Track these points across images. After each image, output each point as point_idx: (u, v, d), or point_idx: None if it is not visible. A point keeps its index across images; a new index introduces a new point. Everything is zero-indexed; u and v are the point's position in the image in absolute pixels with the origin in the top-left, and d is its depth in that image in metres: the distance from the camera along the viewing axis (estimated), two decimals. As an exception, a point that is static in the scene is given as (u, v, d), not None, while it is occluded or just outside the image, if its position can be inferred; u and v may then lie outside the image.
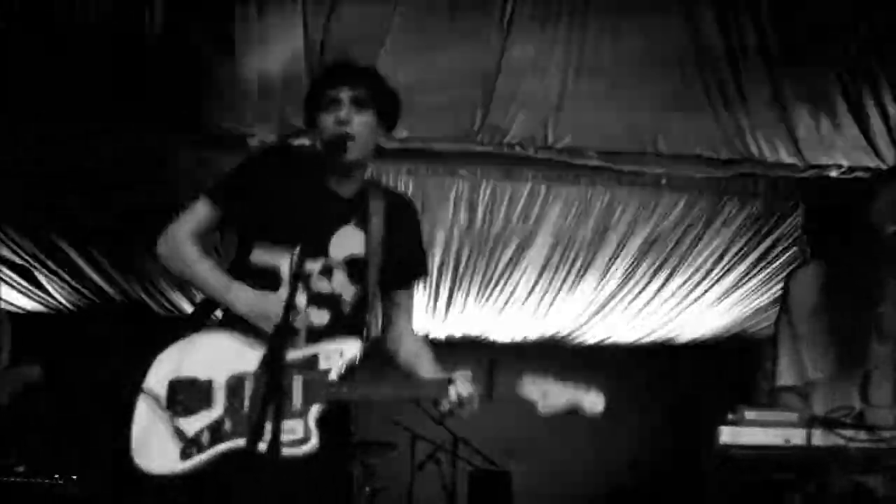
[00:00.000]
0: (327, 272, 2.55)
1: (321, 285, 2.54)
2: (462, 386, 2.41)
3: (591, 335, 7.91)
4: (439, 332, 7.56)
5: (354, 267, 2.58)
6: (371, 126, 2.55)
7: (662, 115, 4.83)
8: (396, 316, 2.74)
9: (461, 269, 6.36)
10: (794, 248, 5.83)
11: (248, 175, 2.59)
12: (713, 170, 5.01)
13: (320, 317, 2.53)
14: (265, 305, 2.43)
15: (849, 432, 2.30)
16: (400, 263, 2.68)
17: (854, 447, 2.30)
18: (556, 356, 7.76)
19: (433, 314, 7.18)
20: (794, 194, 5.37)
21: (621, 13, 4.39)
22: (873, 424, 2.35)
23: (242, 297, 2.47)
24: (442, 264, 6.28)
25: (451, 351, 7.18)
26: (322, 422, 2.39)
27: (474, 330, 7.64)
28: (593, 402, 2.43)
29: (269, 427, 1.98)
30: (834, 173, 4.82)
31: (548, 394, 2.41)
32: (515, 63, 4.48)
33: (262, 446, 1.98)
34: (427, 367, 2.59)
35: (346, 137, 2.49)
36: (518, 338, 7.93)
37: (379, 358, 2.63)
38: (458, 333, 7.68)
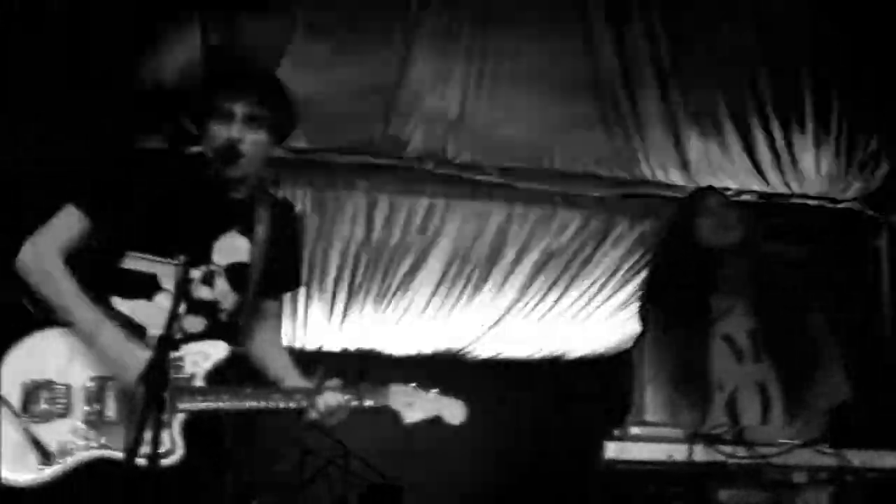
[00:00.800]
0: (209, 279, 2.48)
1: (202, 292, 2.47)
2: (329, 396, 2.38)
3: (485, 349, 7.97)
4: (334, 345, 7.50)
5: (237, 274, 2.52)
6: (263, 144, 2.48)
7: (559, 133, 4.92)
8: (265, 325, 2.66)
9: (357, 282, 6.32)
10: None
11: (124, 180, 2.44)
12: (607, 189, 5.12)
13: (195, 324, 2.46)
14: (128, 359, 2.27)
15: (728, 448, 2.36)
16: (276, 273, 2.62)
17: (733, 463, 2.36)
18: (451, 370, 7.79)
19: (328, 326, 7.11)
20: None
21: (520, 33, 4.44)
22: (752, 441, 2.42)
23: (109, 339, 2.31)
24: (338, 276, 6.23)
25: (344, 363, 7.19)
26: (189, 431, 2.32)
27: (370, 343, 7.60)
28: (454, 412, 2.46)
29: (147, 437, 1.92)
30: (722, 196, 4.99)
31: (412, 404, 2.42)
32: (416, 77, 4.50)
33: (138, 459, 1.90)
34: (293, 377, 2.54)
35: (237, 154, 2.40)
36: (413, 351, 7.93)
37: (245, 367, 2.59)
38: (352, 346, 7.63)
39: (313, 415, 2.39)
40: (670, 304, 2.93)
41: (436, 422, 2.45)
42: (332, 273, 6.16)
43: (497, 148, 4.95)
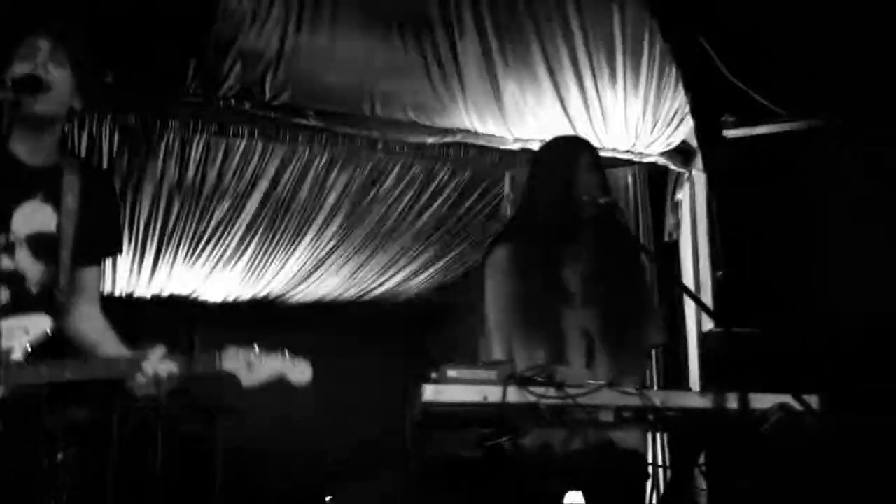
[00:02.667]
0: (9, 249, 2.35)
1: (3, 262, 2.34)
2: (155, 364, 2.31)
3: (303, 296, 7.91)
4: (145, 292, 7.23)
5: (41, 244, 2.39)
6: (70, 83, 2.37)
7: (380, 79, 4.88)
8: (81, 295, 2.54)
9: (170, 226, 6.10)
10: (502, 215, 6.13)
11: None
12: (426, 136, 5.15)
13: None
14: None
15: (539, 389, 2.44)
16: (91, 240, 2.51)
17: (544, 403, 2.44)
18: (269, 317, 7.71)
19: (139, 273, 6.85)
20: (501, 165, 5.62)
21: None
22: (562, 381, 2.50)
23: None
24: (149, 221, 5.99)
25: (158, 312, 6.96)
26: (6, 408, 2.22)
27: (183, 290, 7.38)
28: (300, 372, 2.44)
29: None
30: (536, 146, 5.11)
31: (252, 365, 2.38)
32: (233, 12, 4.35)
33: None
34: (114, 347, 2.46)
35: (41, 83, 2.27)
36: (230, 298, 7.77)
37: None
38: (165, 293, 7.39)
39: (139, 383, 2.32)
40: (521, 247, 2.98)
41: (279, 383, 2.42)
42: (143, 217, 5.92)
43: (317, 91, 4.87)
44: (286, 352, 2.45)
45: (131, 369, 2.32)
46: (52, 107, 2.36)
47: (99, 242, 2.57)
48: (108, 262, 6.35)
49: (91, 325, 2.53)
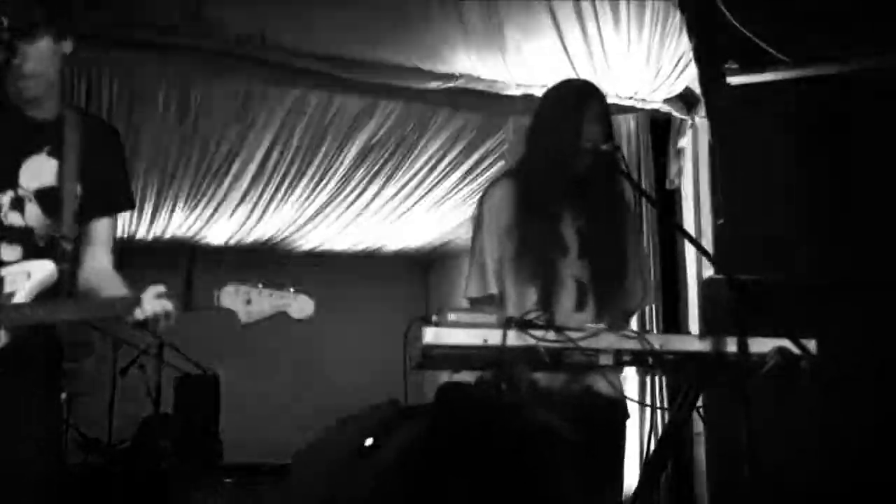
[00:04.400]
0: (18, 204, 2.35)
1: (12, 219, 2.34)
2: (153, 302, 2.30)
3: (304, 241, 7.93)
4: (145, 234, 7.26)
5: (48, 198, 2.38)
6: (47, 52, 2.32)
7: (381, 23, 4.84)
8: (92, 248, 2.54)
9: (169, 171, 6.09)
10: (501, 162, 6.11)
11: None
12: (429, 81, 5.11)
13: (11, 253, 2.34)
14: None
15: (539, 333, 2.45)
16: (99, 194, 2.50)
17: (543, 346, 2.45)
18: (269, 262, 7.75)
19: (139, 216, 6.86)
20: (503, 110, 5.59)
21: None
22: (561, 325, 2.52)
23: None
24: (150, 166, 5.99)
25: (156, 253, 6.97)
26: (7, 353, 2.23)
27: (184, 233, 7.40)
28: (302, 306, 2.42)
29: None
30: (538, 92, 5.08)
31: (252, 301, 2.37)
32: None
33: None
34: (118, 289, 2.44)
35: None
36: (232, 242, 7.79)
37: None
38: (167, 235, 7.41)
39: (139, 315, 2.30)
40: (521, 191, 2.96)
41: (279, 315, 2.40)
42: (143, 163, 5.91)
43: (317, 34, 4.83)
44: (290, 287, 2.44)
45: (128, 309, 2.31)
46: (41, 89, 2.35)
47: (107, 195, 2.55)
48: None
49: (99, 279, 2.50)
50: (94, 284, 2.50)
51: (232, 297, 2.37)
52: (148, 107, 5.26)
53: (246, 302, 2.37)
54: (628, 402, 3.03)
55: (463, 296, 2.97)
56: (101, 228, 2.56)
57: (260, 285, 2.40)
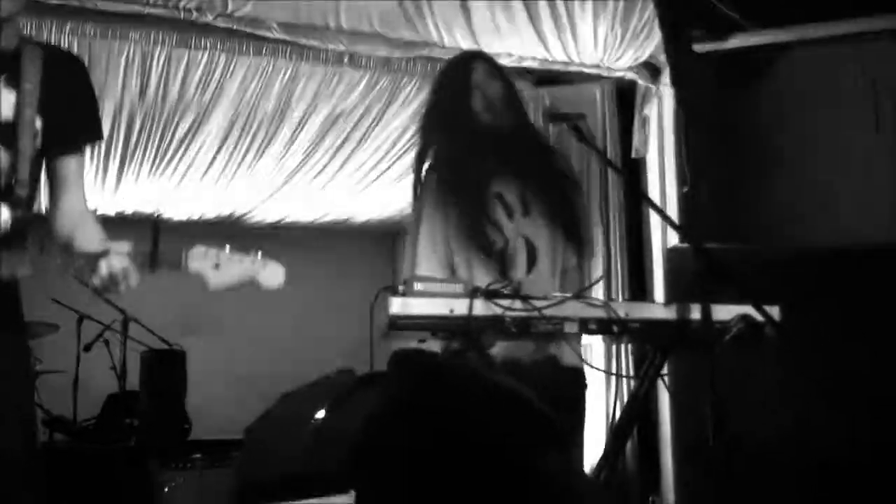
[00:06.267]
0: None
1: None
2: (115, 259, 2.22)
3: (269, 214, 7.87)
4: (108, 209, 7.16)
5: (3, 134, 2.27)
6: None
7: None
8: (62, 187, 2.44)
9: (132, 141, 5.99)
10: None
11: None
12: (392, 49, 5.07)
13: None
14: None
15: (505, 302, 2.45)
16: (63, 127, 2.38)
17: (509, 316, 2.45)
18: (233, 234, 7.67)
19: (102, 188, 6.76)
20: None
21: None
22: (527, 294, 2.52)
23: None
24: (111, 135, 5.88)
25: (120, 227, 6.88)
26: None
27: (147, 206, 7.31)
28: (272, 274, 2.35)
29: None
30: (505, 61, 5.04)
31: (220, 266, 2.29)
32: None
33: None
34: (89, 240, 2.36)
35: None
36: (195, 215, 7.71)
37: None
38: (129, 209, 7.31)
39: (96, 281, 2.23)
40: (450, 176, 2.97)
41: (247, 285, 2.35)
42: (105, 132, 5.81)
43: (280, 3, 4.76)
44: (258, 253, 2.37)
45: (88, 265, 2.23)
46: (11, 9, 2.25)
47: (74, 129, 2.44)
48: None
49: (73, 224, 2.41)
50: (68, 230, 2.40)
51: (200, 260, 2.29)
52: (110, 76, 5.16)
53: (214, 266, 2.29)
54: (592, 370, 3.05)
55: (414, 273, 2.94)
56: (70, 166, 2.46)
57: (227, 247, 2.32)
